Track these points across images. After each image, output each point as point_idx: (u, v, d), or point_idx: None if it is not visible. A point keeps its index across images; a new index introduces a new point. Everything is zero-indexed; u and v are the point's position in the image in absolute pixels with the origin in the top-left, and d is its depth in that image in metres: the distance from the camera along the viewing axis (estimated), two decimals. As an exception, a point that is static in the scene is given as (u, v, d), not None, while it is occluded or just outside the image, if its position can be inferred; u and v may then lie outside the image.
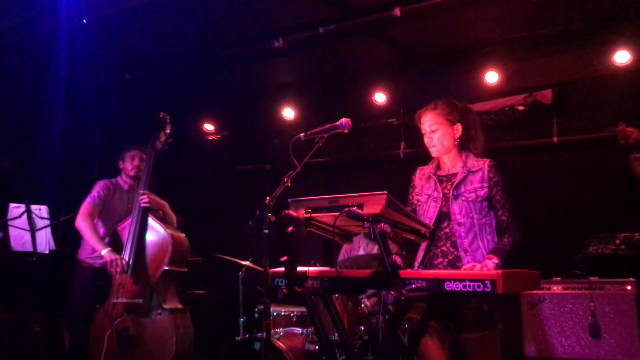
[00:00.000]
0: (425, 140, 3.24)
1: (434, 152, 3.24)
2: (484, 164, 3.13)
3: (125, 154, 4.86)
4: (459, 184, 3.11)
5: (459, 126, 3.18)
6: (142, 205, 4.50)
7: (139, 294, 4.38)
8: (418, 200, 3.24)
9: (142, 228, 4.50)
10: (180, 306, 4.53)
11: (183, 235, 4.65)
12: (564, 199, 5.54)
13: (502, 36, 5.32)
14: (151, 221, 4.55)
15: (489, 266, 2.82)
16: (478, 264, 2.85)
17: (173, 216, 4.84)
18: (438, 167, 3.27)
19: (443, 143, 3.19)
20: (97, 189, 4.74)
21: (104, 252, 4.45)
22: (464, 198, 3.08)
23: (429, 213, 3.14)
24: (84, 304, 4.59)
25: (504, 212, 3.07)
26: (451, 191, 3.11)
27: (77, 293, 4.73)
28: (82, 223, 4.59)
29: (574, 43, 5.17)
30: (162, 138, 4.69)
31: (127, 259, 4.42)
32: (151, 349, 4.30)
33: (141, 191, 4.54)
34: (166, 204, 4.80)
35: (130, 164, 4.83)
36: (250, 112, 7.01)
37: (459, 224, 3.06)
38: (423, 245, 3.19)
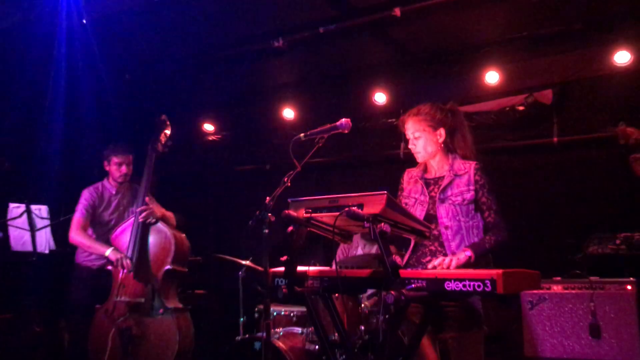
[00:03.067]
0: (409, 146, 3.27)
1: (418, 158, 3.27)
2: (470, 166, 3.14)
3: (111, 158, 4.80)
4: (445, 187, 3.13)
5: (442, 131, 3.19)
6: (140, 220, 4.49)
7: (141, 294, 4.40)
8: (406, 204, 3.25)
9: (145, 227, 4.51)
10: (181, 305, 4.55)
11: (184, 235, 4.67)
12: (564, 199, 5.54)
13: (502, 36, 5.32)
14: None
15: (460, 258, 2.86)
16: (448, 257, 2.87)
17: (171, 216, 4.81)
18: (425, 170, 3.30)
19: (426, 149, 3.21)
20: (83, 200, 4.73)
21: (108, 252, 4.48)
22: (450, 201, 3.10)
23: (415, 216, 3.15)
24: (83, 305, 4.61)
25: (490, 214, 3.08)
26: (438, 195, 3.13)
27: (75, 294, 4.74)
28: (76, 237, 4.63)
29: (574, 43, 5.17)
30: (163, 140, 4.70)
31: (130, 257, 4.43)
32: (154, 348, 4.32)
33: (139, 209, 4.51)
34: (170, 214, 4.77)
35: (117, 171, 4.79)
36: (250, 112, 7.01)
37: (446, 227, 3.08)
38: (411, 245, 3.20)
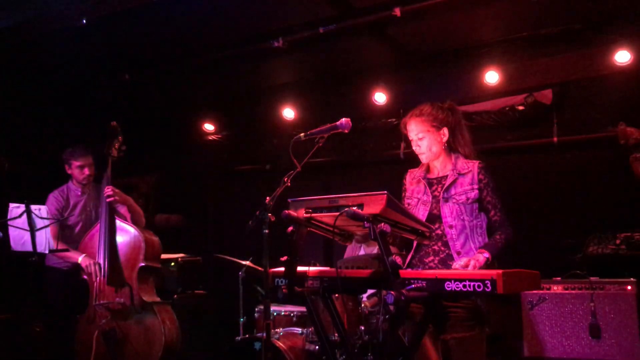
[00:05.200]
0: (413, 147, 3.26)
1: (423, 159, 3.26)
2: (474, 165, 3.15)
3: (72, 162, 4.81)
4: (449, 186, 3.13)
5: (445, 130, 3.19)
6: (107, 199, 4.51)
7: (119, 295, 4.44)
8: (409, 204, 3.26)
9: (112, 231, 4.54)
10: (159, 299, 4.59)
11: (156, 238, 4.71)
12: (564, 199, 5.54)
13: (502, 36, 5.32)
14: (120, 223, 4.61)
15: (480, 260, 2.86)
16: (465, 259, 2.87)
17: (140, 211, 4.83)
18: (428, 170, 3.30)
19: (431, 149, 3.20)
20: (50, 207, 4.73)
21: (80, 258, 4.53)
22: (454, 200, 3.10)
23: (418, 216, 3.15)
24: (58, 306, 4.69)
25: (496, 212, 3.10)
26: (442, 194, 3.13)
27: (50, 296, 4.80)
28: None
29: (574, 43, 5.17)
30: (117, 145, 4.71)
31: (101, 263, 4.46)
32: (141, 347, 4.35)
33: (106, 187, 4.55)
34: (130, 198, 4.81)
35: (80, 174, 4.81)
36: (250, 112, 7.01)
37: (451, 227, 3.07)
38: (414, 245, 3.20)
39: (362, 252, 5.02)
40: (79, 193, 4.88)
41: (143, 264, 4.48)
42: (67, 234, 4.77)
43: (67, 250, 4.60)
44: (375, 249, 4.90)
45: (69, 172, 4.86)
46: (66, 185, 4.91)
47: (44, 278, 4.83)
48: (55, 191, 4.86)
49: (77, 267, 4.62)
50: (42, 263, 4.88)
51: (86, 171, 4.80)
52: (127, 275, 4.46)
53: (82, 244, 4.64)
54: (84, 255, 4.54)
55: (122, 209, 4.76)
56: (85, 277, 4.54)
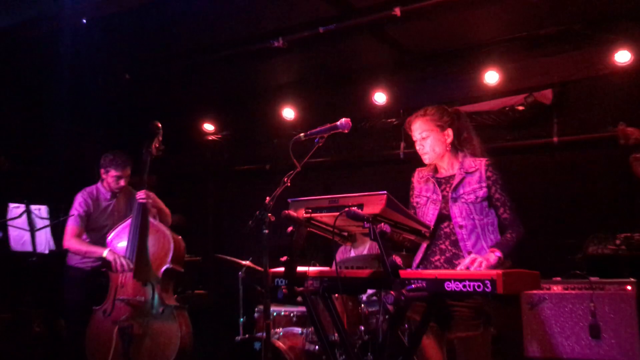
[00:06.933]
0: (417, 147, 3.24)
1: (425, 159, 3.24)
2: (481, 163, 3.13)
3: (110, 170, 4.73)
4: (457, 186, 3.11)
5: (449, 131, 3.18)
6: (139, 201, 4.50)
7: (141, 292, 4.42)
8: (417, 203, 3.24)
9: (144, 228, 4.51)
10: (178, 303, 4.58)
11: (180, 237, 4.70)
12: (564, 199, 5.54)
13: (502, 36, 5.32)
14: (153, 221, 4.58)
15: (491, 259, 2.82)
16: (479, 257, 2.83)
17: (167, 211, 4.82)
18: (435, 170, 3.28)
19: (434, 149, 3.18)
20: (77, 207, 4.69)
21: (105, 253, 4.48)
22: (463, 200, 3.08)
23: (428, 215, 3.14)
24: (79, 306, 4.64)
25: (506, 210, 3.07)
26: (450, 194, 3.11)
27: (70, 295, 4.76)
28: (70, 245, 4.61)
29: (574, 43, 5.17)
30: (156, 144, 4.70)
31: (129, 259, 4.44)
32: (157, 347, 4.34)
33: (140, 191, 4.54)
34: (161, 202, 4.79)
35: (114, 184, 4.75)
36: (250, 112, 7.01)
37: (461, 227, 3.05)
38: (423, 245, 3.19)
39: (352, 254, 5.02)
40: (109, 197, 4.82)
41: (169, 266, 4.45)
42: (94, 237, 4.74)
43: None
44: (365, 250, 4.92)
45: (103, 177, 4.77)
46: (96, 186, 4.83)
47: (63, 276, 4.80)
48: (84, 191, 4.78)
49: (98, 268, 4.59)
50: (62, 262, 4.87)
51: (121, 183, 4.74)
52: (153, 273, 4.44)
53: (112, 236, 4.59)
54: (108, 249, 4.49)
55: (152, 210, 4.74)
56: (104, 277, 4.51)
